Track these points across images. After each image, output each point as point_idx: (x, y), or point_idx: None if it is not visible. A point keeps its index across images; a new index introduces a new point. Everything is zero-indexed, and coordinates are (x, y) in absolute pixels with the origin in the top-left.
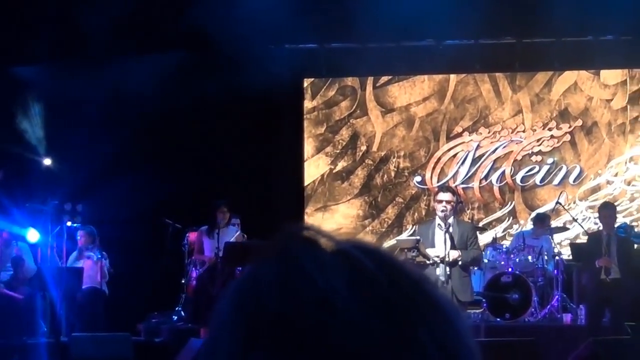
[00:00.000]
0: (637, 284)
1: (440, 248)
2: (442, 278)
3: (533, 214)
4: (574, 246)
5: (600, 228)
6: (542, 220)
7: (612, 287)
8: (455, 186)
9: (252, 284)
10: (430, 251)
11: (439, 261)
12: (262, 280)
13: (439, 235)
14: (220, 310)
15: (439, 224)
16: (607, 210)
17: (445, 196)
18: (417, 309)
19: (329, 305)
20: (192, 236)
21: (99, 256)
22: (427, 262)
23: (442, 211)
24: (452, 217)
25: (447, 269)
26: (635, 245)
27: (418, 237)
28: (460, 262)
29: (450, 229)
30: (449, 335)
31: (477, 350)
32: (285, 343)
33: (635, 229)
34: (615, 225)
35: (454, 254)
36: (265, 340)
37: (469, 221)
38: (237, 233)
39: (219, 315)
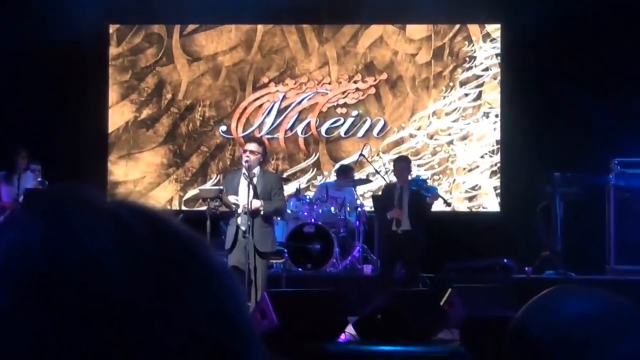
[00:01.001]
0: (426, 237)
1: (243, 198)
2: (243, 228)
3: (337, 166)
4: (375, 198)
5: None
6: (345, 172)
7: (402, 239)
8: (261, 137)
9: (18, 243)
10: (232, 199)
11: (240, 211)
12: (26, 240)
13: (243, 185)
14: None
15: (244, 174)
16: (401, 163)
17: (249, 146)
18: (185, 272)
19: (94, 266)
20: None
21: None
22: (230, 211)
23: (246, 161)
24: (257, 168)
25: (249, 219)
26: (427, 199)
27: (221, 187)
28: (262, 213)
29: (255, 180)
30: (219, 299)
31: (249, 314)
32: (51, 305)
33: (433, 183)
34: (410, 178)
35: (256, 204)
36: (31, 303)
37: (274, 172)
38: (38, 179)
39: None
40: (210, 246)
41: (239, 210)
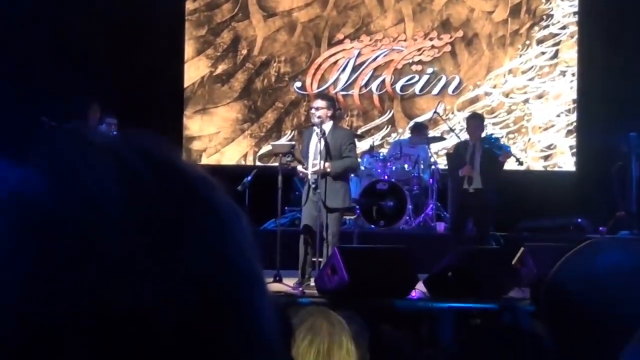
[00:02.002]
0: (497, 195)
1: (312, 154)
2: (314, 185)
3: (411, 123)
4: (449, 156)
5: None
6: (419, 129)
7: (474, 197)
8: (335, 93)
9: (17, 185)
10: (300, 168)
11: (311, 168)
12: (27, 180)
13: (314, 142)
14: None
15: (315, 131)
16: (474, 121)
17: (315, 103)
18: (185, 211)
19: (93, 203)
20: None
21: None
22: (302, 166)
23: (313, 118)
24: (329, 124)
25: (317, 175)
26: (499, 157)
27: (293, 143)
28: (331, 172)
29: (326, 136)
30: (219, 239)
31: (256, 256)
32: (52, 246)
33: (508, 142)
34: (482, 136)
35: (325, 164)
36: (32, 244)
37: (347, 128)
38: (113, 133)
39: None
40: (219, 186)
41: (310, 168)
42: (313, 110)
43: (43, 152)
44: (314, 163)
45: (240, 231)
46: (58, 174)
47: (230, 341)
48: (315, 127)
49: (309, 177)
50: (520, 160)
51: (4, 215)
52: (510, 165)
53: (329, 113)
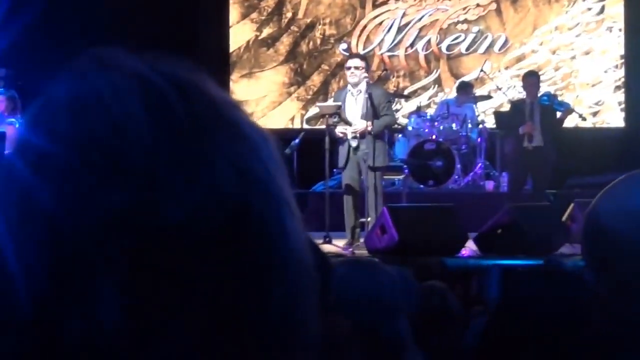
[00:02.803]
0: (558, 153)
1: (351, 114)
2: (354, 144)
3: (457, 83)
4: (497, 114)
5: (524, 96)
6: (465, 89)
7: (534, 155)
8: (381, 54)
9: (43, 107)
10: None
11: (351, 129)
12: (52, 103)
13: (351, 102)
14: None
15: (350, 91)
16: (531, 78)
17: (356, 62)
18: (212, 132)
19: (118, 126)
20: None
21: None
22: (348, 126)
23: (352, 77)
24: (364, 83)
25: (357, 135)
26: (558, 114)
27: (339, 103)
28: (373, 132)
29: (362, 96)
30: (247, 160)
31: (285, 179)
32: (75, 170)
33: (559, 98)
34: (539, 94)
35: (363, 124)
36: (53, 166)
37: (381, 87)
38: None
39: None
40: (244, 109)
41: (350, 129)
42: (353, 70)
43: (67, 74)
44: (354, 123)
45: (268, 154)
46: (83, 99)
47: (259, 259)
48: (351, 87)
49: (349, 137)
50: (583, 116)
51: (33, 131)
52: (570, 121)
53: (365, 72)
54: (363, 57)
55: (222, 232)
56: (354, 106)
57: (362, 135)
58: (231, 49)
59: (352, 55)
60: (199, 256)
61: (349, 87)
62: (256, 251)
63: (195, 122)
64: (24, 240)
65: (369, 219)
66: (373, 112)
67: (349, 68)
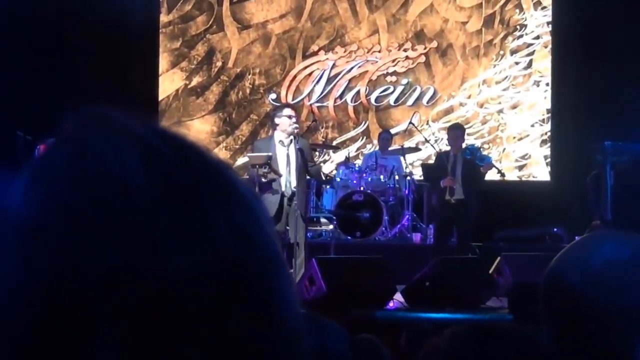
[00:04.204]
0: (482, 206)
1: (282, 165)
2: (288, 194)
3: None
4: (424, 167)
5: (449, 149)
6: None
7: (456, 208)
8: (311, 105)
9: (41, 169)
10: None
11: (285, 178)
12: (51, 165)
13: (282, 153)
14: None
15: (280, 141)
16: (455, 131)
17: (291, 111)
18: (209, 193)
19: (118, 185)
20: (43, 149)
21: None
22: (278, 177)
23: (290, 127)
24: (292, 135)
25: (295, 185)
26: (481, 168)
27: (270, 154)
28: (311, 178)
29: (292, 146)
30: (243, 220)
31: (275, 237)
32: (73, 222)
33: (486, 151)
34: (463, 147)
35: (299, 173)
36: (53, 221)
37: (319, 140)
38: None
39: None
40: (237, 172)
41: (282, 179)
42: (293, 120)
43: (67, 136)
44: (285, 174)
45: (262, 214)
46: (83, 162)
47: (255, 319)
48: (282, 137)
49: (282, 187)
50: (502, 171)
51: (31, 196)
52: (491, 176)
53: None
54: (294, 107)
55: (220, 292)
56: (284, 157)
57: (300, 180)
58: (160, 97)
59: (286, 105)
60: (197, 316)
61: (279, 136)
62: (254, 312)
63: (195, 184)
64: (21, 297)
65: (291, 270)
66: (304, 162)
67: (290, 117)
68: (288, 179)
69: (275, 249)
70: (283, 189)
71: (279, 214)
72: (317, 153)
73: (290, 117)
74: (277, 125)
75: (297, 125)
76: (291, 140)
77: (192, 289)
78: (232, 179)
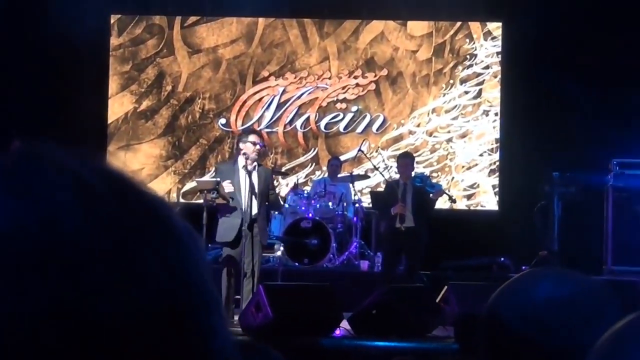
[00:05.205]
0: (430, 234)
1: (245, 191)
2: (248, 221)
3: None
4: (373, 194)
5: (399, 177)
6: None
7: (406, 236)
8: (260, 130)
9: None
10: (227, 186)
11: (245, 205)
12: None
13: (245, 179)
14: None
15: (244, 166)
16: (405, 160)
17: (256, 138)
18: (144, 230)
19: (51, 223)
20: None
21: None
22: (228, 203)
23: (254, 154)
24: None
25: (255, 213)
26: (431, 195)
27: (218, 179)
28: (270, 206)
29: (255, 173)
30: (178, 258)
31: (211, 278)
32: (7, 263)
33: (432, 180)
34: (413, 175)
35: (260, 200)
36: None
37: (269, 166)
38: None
39: None
40: (173, 207)
41: (243, 204)
42: (257, 146)
43: (1, 172)
44: (244, 199)
45: (197, 252)
46: (13, 195)
47: (186, 356)
48: (246, 163)
49: (242, 214)
50: (453, 197)
51: None
52: (441, 203)
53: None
54: (259, 133)
55: (151, 328)
56: (246, 182)
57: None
58: (109, 120)
59: (252, 131)
60: (129, 352)
61: (242, 162)
62: (185, 350)
63: (127, 219)
64: None
65: (238, 296)
66: (265, 188)
67: (255, 144)
68: (249, 204)
69: (207, 286)
70: (242, 215)
71: (238, 240)
72: (277, 181)
73: (254, 143)
74: (241, 150)
75: (256, 152)
76: (254, 167)
77: (121, 326)
78: (167, 214)
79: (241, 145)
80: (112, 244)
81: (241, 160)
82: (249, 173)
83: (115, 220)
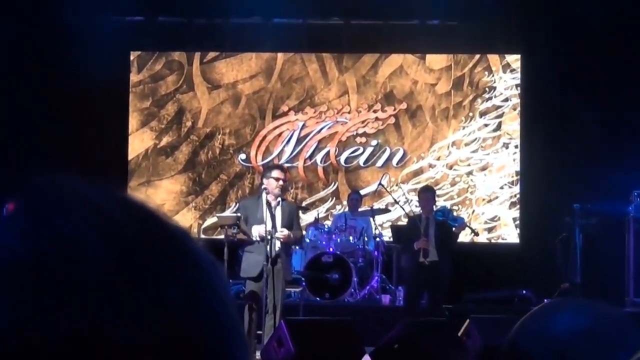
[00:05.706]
0: (453, 267)
1: (269, 226)
2: (272, 256)
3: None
4: (394, 228)
5: (420, 211)
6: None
7: (430, 270)
8: (283, 165)
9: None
10: (257, 228)
11: (261, 239)
12: (7, 235)
13: (267, 213)
14: None
15: (267, 202)
16: (426, 194)
17: (280, 174)
18: (166, 261)
19: (71, 253)
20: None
21: None
22: (249, 238)
23: (277, 189)
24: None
25: (279, 248)
26: (453, 229)
27: (239, 215)
28: (293, 241)
29: (280, 208)
30: (200, 289)
31: (234, 307)
32: (28, 292)
33: (454, 213)
34: (435, 209)
35: (285, 233)
36: (8, 292)
37: (293, 201)
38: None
39: None
40: (196, 239)
41: (266, 240)
42: (281, 182)
43: (21, 206)
44: (270, 233)
45: (220, 282)
46: (34, 224)
47: None
48: (270, 199)
49: (267, 248)
50: (476, 230)
51: None
52: (463, 237)
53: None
54: (283, 168)
55: (171, 358)
56: (270, 218)
57: (286, 243)
58: (130, 157)
59: (276, 166)
60: None
61: (266, 198)
62: None
63: (148, 247)
64: None
65: (259, 332)
66: (289, 223)
67: (278, 179)
68: (274, 240)
69: (230, 315)
70: (267, 250)
71: (261, 275)
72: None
73: (277, 179)
74: (265, 186)
75: (280, 187)
76: (278, 202)
77: (141, 354)
78: (189, 243)
79: (264, 180)
80: (133, 271)
81: (265, 196)
82: (273, 208)
83: (136, 248)
